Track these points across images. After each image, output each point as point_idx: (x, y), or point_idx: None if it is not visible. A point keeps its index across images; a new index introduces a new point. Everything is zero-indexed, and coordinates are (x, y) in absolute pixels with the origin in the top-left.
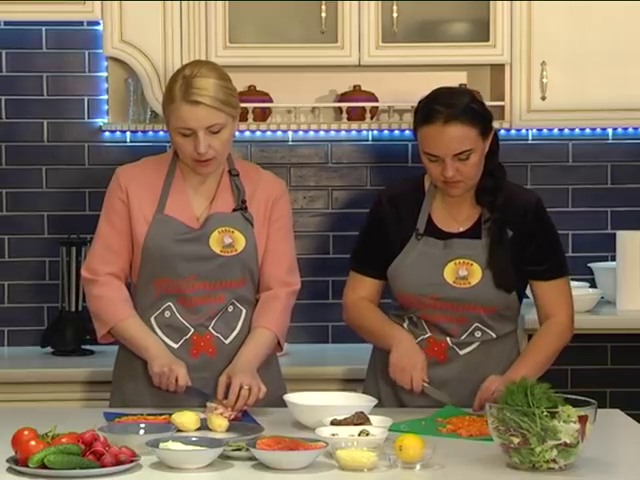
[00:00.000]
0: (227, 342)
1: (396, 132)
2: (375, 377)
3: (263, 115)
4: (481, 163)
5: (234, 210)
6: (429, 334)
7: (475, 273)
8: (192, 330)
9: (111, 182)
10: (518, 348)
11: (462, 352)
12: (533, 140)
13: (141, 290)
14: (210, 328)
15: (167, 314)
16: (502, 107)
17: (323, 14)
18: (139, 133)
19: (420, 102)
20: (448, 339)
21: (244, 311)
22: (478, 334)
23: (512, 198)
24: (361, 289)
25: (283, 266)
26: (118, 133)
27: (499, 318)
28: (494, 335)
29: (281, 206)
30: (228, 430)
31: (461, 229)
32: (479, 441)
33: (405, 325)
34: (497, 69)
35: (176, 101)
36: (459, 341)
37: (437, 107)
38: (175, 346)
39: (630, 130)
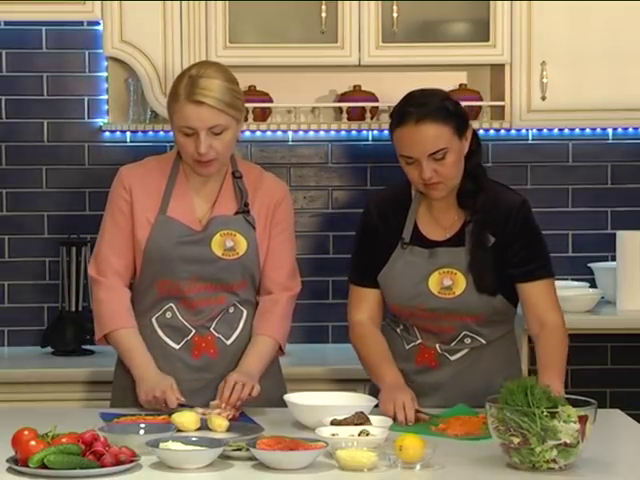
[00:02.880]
0: (228, 343)
1: None
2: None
3: (263, 115)
4: (459, 163)
5: (236, 213)
6: (420, 340)
7: (459, 282)
8: (193, 331)
9: (115, 181)
10: (516, 349)
11: (453, 358)
12: (533, 140)
13: (142, 291)
14: (211, 329)
15: (168, 315)
16: (502, 107)
17: (323, 14)
18: (139, 133)
19: (395, 106)
20: (438, 346)
21: (245, 312)
22: (467, 341)
23: (497, 199)
24: (363, 304)
25: (284, 270)
26: (118, 133)
27: (488, 324)
28: (484, 341)
29: (283, 210)
30: (228, 430)
31: (447, 235)
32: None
33: (399, 330)
34: (497, 69)
35: (180, 100)
36: (449, 348)
37: (409, 108)
38: (177, 347)
39: (630, 130)
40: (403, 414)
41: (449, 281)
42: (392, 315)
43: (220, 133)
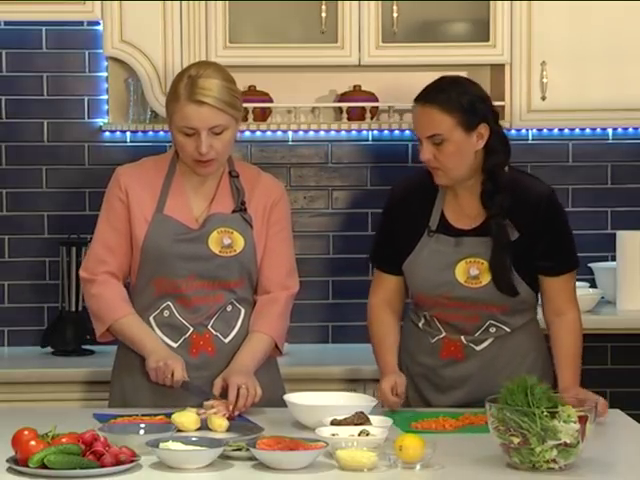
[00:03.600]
0: (226, 341)
1: (396, 132)
2: None
3: (263, 115)
4: (462, 156)
5: (233, 211)
6: (444, 334)
7: (486, 272)
8: (191, 329)
9: (111, 182)
10: (540, 335)
11: (478, 348)
12: (533, 140)
13: (140, 290)
14: (209, 327)
15: (166, 313)
16: (502, 107)
17: (323, 14)
18: (139, 133)
19: None
20: (462, 337)
21: (243, 310)
22: (492, 330)
23: (524, 192)
24: (382, 289)
25: (282, 269)
26: (118, 133)
27: (513, 313)
28: (508, 330)
29: (280, 209)
30: (228, 430)
31: (473, 225)
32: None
33: (420, 325)
34: (497, 69)
35: (180, 100)
36: (474, 338)
37: (428, 89)
38: (174, 345)
39: (630, 130)
40: (386, 402)
41: (476, 270)
42: (414, 306)
43: (220, 133)
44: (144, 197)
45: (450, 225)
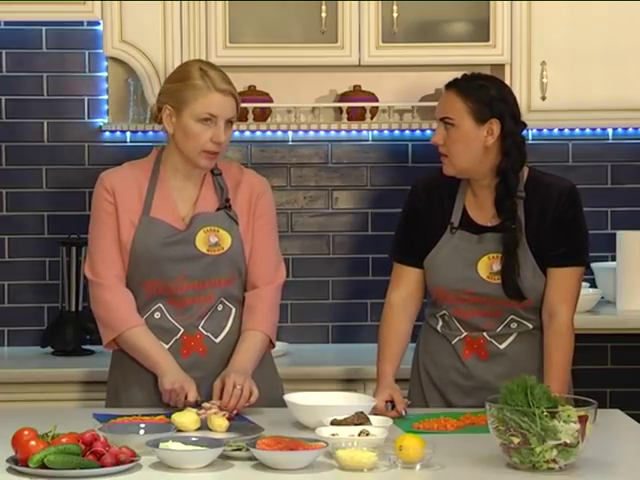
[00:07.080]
0: (217, 341)
1: (396, 132)
2: (419, 378)
3: (263, 115)
4: (467, 145)
5: (218, 209)
6: (465, 333)
7: None
8: (182, 330)
9: (97, 187)
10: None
11: (502, 346)
12: (533, 140)
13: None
14: (200, 327)
15: (157, 315)
16: None
17: (323, 14)
18: (139, 133)
19: None
20: (485, 334)
21: (233, 309)
22: (514, 325)
23: (546, 189)
24: (403, 283)
25: (268, 264)
26: (118, 133)
27: (535, 310)
28: (530, 326)
29: (265, 202)
30: (228, 430)
31: (495, 222)
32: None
33: (439, 327)
34: (497, 69)
35: (203, 88)
36: (495, 334)
37: (459, 77)
38: (165, 347)
39: (630, 130)
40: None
41: (498, 266)
42: (432, 305)
43: (231, 124)
44: (130, 200)
45: (472, 221)
